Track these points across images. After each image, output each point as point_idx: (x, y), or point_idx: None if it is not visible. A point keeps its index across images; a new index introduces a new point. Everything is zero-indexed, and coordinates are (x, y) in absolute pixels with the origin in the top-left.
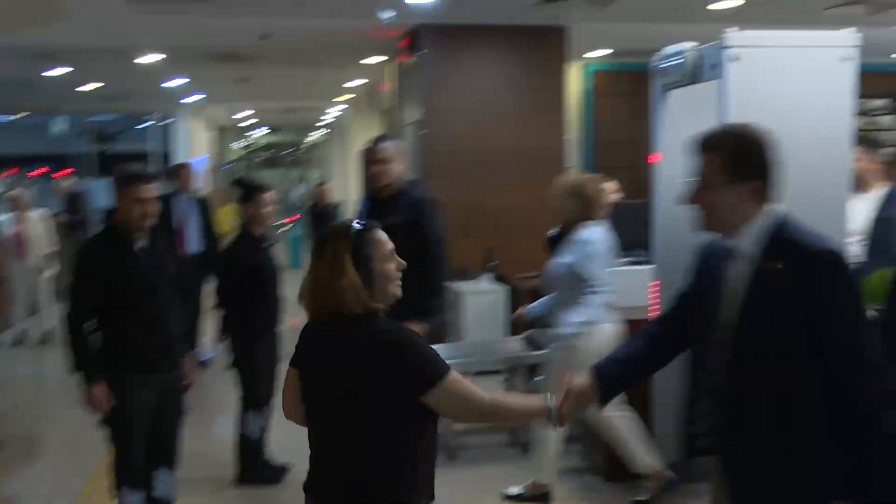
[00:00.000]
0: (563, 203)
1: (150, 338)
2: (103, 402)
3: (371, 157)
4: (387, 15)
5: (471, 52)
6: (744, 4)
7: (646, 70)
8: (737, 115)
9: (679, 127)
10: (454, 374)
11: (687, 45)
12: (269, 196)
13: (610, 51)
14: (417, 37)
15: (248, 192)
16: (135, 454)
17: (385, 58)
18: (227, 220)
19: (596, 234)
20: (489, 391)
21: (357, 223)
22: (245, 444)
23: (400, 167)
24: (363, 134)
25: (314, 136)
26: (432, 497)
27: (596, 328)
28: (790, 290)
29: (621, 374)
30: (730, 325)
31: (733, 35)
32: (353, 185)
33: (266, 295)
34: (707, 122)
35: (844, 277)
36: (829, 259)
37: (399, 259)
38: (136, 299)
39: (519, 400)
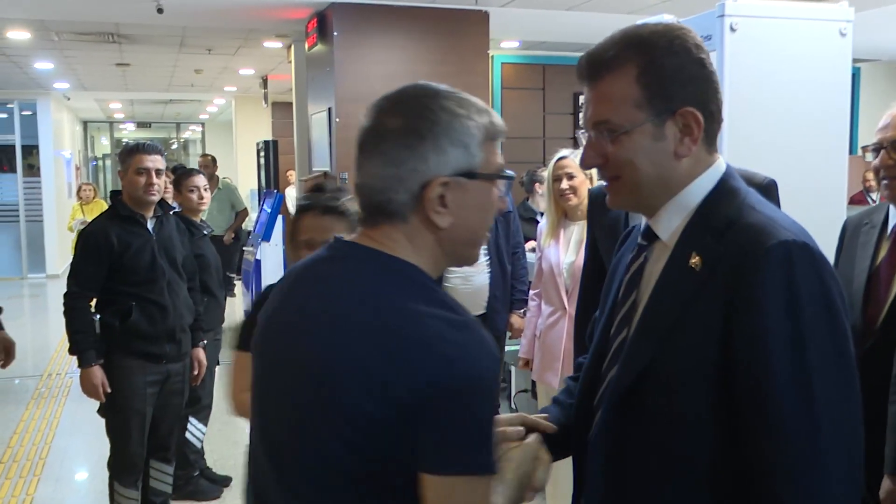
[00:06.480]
0: None
1: (155, 324)
2: (97, 387)
3: None
4: None
5: (387, 35)
6: None
7: (551, 65)
8: (732, 88)
9: None
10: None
11: (667, 16)
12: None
13: (517, 43)
14: (327, 18)
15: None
16: (132, 449)
17: (280, 44)
18: (92, 216)
19: None
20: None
21: None
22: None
23: None
24: (252, 127)
25: (190, 133)
26: None
27: None
28: (706, 298)
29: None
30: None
31: (731, 3)
32: (246, 181)
33: None
34: None
35: (794, 283)
36: (779, 255)
37: None
38: (142, 281)
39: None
